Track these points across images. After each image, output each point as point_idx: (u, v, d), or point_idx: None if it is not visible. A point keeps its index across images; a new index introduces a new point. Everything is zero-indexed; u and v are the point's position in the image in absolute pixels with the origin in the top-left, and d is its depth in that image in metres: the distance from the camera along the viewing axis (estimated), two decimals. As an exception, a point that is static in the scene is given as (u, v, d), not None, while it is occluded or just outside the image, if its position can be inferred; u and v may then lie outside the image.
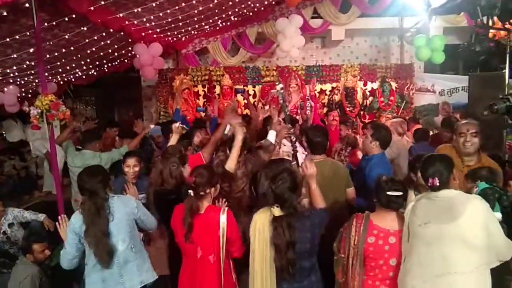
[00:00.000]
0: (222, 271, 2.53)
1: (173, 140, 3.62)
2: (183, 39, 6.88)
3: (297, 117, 5.62)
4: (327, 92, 6.88)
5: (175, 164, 3.04)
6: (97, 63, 6.30)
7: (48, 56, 4.84)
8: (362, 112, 6.75)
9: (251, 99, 6.77)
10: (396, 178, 2.52)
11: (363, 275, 2.43)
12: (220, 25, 6.67)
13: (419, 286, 2.15)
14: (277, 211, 2.30)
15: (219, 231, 2.48)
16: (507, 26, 4.16)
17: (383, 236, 2.37)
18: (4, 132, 7.92)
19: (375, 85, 6.81)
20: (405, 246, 2.30)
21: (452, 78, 7.67)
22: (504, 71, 4.80)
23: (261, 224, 2.35)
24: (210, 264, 2.52)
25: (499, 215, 2.52)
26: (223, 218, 2.49)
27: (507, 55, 4.55)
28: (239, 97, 6.76)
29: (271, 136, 3.38)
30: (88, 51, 5.31)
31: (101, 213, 2.54)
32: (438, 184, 2.19)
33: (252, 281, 2.38)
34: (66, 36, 4.44)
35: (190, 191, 2.51)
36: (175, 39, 6.63)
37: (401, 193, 2.39)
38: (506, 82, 4.63)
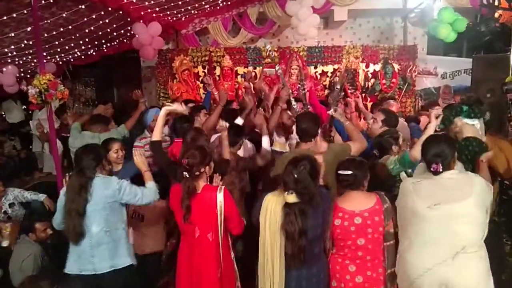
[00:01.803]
0: (221, 248, 2.55)
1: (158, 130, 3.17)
2: (183, 19, 6.77)
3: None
4: (329, 74, 6.81)
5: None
6: (96, 42, 6.22)
7: (46, 35, 4.77)
8: (363, 95, 6.69)
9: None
10: (356, 158, 2.63)
11: (334, 254, 2.53)
12: (221, 4, 6.55)
13: (435, 268, 2.16)
14: (291, 198, 2.27)
15: (217, 209, 2.49)
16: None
17: (348, 218, 2.42)
18: (3, 113, 7.89)
19: (378, 67, 6.73)
20: (403, 225, 2.34)
21: (455, 60, 7.57)
22: (508, 53, 4.74)
23: (272, 207, 2.35)
24: (208, 242, 2.54)
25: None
26: (220, 197, 2.49)
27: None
28: (239, 78, 6.68)
29: (265, 143, 3.46)
30: (87, 31, 5.24)
31: (82, 192, 2.59)
32: (441, 170, 2.20)
33: (263, 263, 2.38)
34: (64, 15, 4.36)
35: (185, 173, 2.50)
36: (174, 18, 6.52)
37: (349, 172, 2.44)
38: (511, 64, 4.57)
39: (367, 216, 2.41)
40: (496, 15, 4.54)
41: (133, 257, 2.83)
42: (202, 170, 2.55)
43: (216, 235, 2.54)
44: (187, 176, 2.51)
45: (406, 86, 6.62)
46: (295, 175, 2.28)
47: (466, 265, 2.12)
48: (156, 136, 3.09)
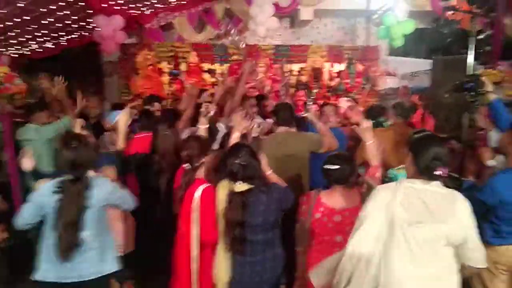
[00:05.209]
0: (193, 246, 2.45)
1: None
2: (147, 12, 6.58)
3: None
4: (295, 73, 6.87)
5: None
6: (55, 35, 5.93)
7: (1, 25, 4.50)
8: (328, 94, 6.80)
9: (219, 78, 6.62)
10: (342, 154, 2.57)
11: (312, 248, 2.50)
12: (186, -1, 6.43)
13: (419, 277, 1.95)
14: (238, 187, 2.31)
15: (192, 204, 2.45)
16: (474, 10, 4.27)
17: (327, 214, 2.41)
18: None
19: (342, 67, 6.86)
20: (380, 232, 1.99)
21: (415, 61, 7.87)
22: (465, 55, 4.95)
23: (221, 195, 2.40)
24: (181, 235, 2.53)
25: None
26: (197, 193, 2.44)
27: (471, 39, 4.67)
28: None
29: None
30: (45, 22, 4.98)
31: (80, 199, 2.31)
32: (447, 174, 1.89)
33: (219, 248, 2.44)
34: (22, 5, 4.13)
35: (186, 165, 2.55)
36: (138, 12, 6.33)
37: (336, 167, 2.38)
38: (468, 66, 4.78)
39: (348, 215, 2.36)
40: (458, 18, 4.74)
41: (119, 262, 2.61)
42: (202, 160, 2.58)
43: (187, 230, 2.47)
44: (189, 168, 2.55)
45: (368, 86, 6.80)
46: (241, 162, 2.29)
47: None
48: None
